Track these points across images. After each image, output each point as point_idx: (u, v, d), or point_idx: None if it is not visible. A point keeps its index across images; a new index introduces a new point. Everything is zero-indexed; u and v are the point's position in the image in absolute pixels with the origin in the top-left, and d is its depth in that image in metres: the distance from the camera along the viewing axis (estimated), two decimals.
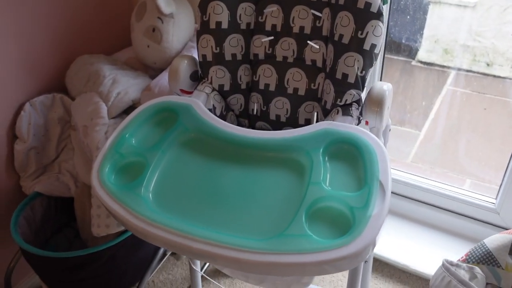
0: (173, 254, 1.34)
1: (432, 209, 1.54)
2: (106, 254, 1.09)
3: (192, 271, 1.28)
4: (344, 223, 0.68)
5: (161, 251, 1.25)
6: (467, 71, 2.44)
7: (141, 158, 0.82)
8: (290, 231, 0.68)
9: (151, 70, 1.35)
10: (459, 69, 2.46)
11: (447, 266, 0.80)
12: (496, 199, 1.44)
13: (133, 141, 0.86)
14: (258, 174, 0.79)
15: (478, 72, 2.42)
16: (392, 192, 1.56)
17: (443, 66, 2.54)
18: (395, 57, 2.50)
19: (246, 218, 0.72)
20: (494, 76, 2.40)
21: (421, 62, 2.58)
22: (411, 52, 2.48)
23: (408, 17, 2.17)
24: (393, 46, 2.33)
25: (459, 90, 2.48)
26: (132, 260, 1.16)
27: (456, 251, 1.37)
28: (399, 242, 1.47)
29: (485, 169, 2.00)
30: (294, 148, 0.80)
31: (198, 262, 1.24)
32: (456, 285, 0.74)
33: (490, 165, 2.01)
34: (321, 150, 0.78)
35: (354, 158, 0.77)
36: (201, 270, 1.42)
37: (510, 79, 2.40)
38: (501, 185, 1.42)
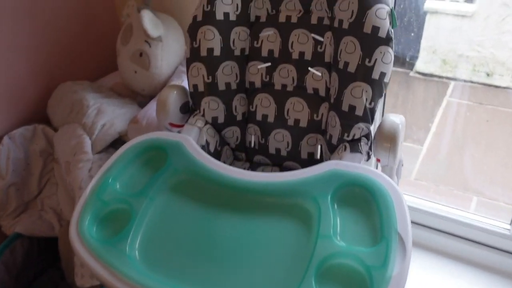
0: None
1: (439, 234, 1.45)
2: None
3: None
4: (360, 285, 0.60)
5: None
6: (467, 81, 2.39)
7: (126, 206, 0.75)
8: None
9: (140, 97, 1.26)
10: (458, 80, 2.41)
11: None
12: (511, 224, 1.36)
13: (117, 186, 0.78)
14: (258, 223, 0.71)
15: (478, 83, 2.39)
16: None
17: (442, 77, 2.50)
18: (393, 69, 2.45)
19: (246, 278, 0.64)
20: (495, 86, 2.36)
21: (419, 73, 2.54)
22: (409, 63, 2.42)
23: (405, 27, 2.12)
24: None
25: (460, 102, 2.43)
26: None
27: (467, 280, 1.30)
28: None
29: (491, 186, 1.93)
30: (299, 193, 0.72)
31: None
32: None
33: (496, 182, 1.94)
34: (329, 195, 0.70)
35: (367, 204, 0.69)
36: None
37: (510, 89, 2.36)
38: None
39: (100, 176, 0.79)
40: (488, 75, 2.34)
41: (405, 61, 2.37)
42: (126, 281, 0.64)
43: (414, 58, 2.42)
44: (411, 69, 2.50)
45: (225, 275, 0.65)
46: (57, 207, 1.20)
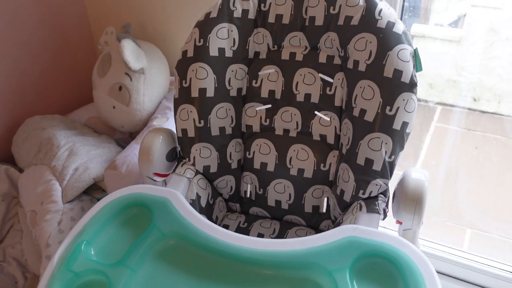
0: None
1: (443, 278, 1.37)
2: None
3: None
4: None
5: None
6: (454, 106, 2.38)
7: (102, 278, 0.64)
8: None
9: (119, 133, 1.16)
10: (445, 105, 2.40)
11: None
12: None
13: (92, 253, 0.67)
14: None
15: (465, 108, 2.40)
16: None
17: (429, 101, 2.49)
18: None
19: None
20: (482, 111, 2.38)
21: None
22: None
23: None
24: None
25: (448, 127, 2.42)
26: None
27: None
28: None
29: (484, 218, 1.90)
30: (310, 265, 0.62)
31: None
32: None
33: (488, 213, 1.91)
34: (348, 269, 0.60)
35: (392, 279, 0.59)
36: None
37: (498, 114, 2.37)
38: None
39: (71, 241, 0.68)
40: (475, 100, 2.34)
41: None
42: None
43: None
44: None
45: None
46: (22, 258, 1.08)
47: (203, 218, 0.68)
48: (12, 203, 1.11)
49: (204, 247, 0.66)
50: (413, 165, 2.19)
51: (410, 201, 0.66)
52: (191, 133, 0.78)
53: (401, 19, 1.11)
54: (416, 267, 0.58)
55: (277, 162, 0.80)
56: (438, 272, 1.29)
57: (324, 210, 0.81)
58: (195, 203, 0.76)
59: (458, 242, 1.41)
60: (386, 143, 0.67)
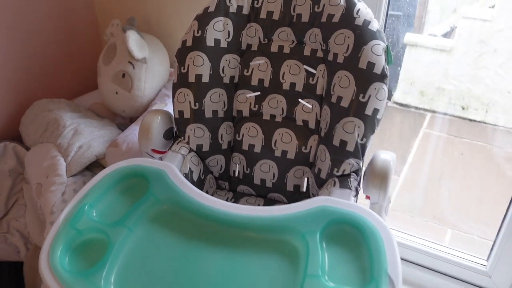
0: None
1: (418, 269, 1.44)
2: None
3: None
4: None
5: None
6: (443, 114, 2.45)
7: (102, 236, 0.71)
8: None
9: (120, 118, 1.23)
10: (434, 112, 2.46)
11: None
12: (487, 261, 1.36)
13: (94, 214, 0.74)
14: (243, 259, 0.68)
15: (453, 115, 2.44)
16: None
17: (419, 108, 2.55)
18: None
19: None
20: (470, 119, 2.42)
21: (397, 103, 2.59)
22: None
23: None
24: None
25: (436, 134, 2.48)
26: None
27: None
28: None
29: (466, 219, 1.96)
30: (287, 229, 0.69)
31: None
32: None
33: (470, 215, 1.97)
34: (318, 233, 0.68)
35: (357, 243, 0.67)
36: None
37: (485, 123, 2.43)
38: (492, 247, 1.34)
39: (76, 203, 0.74)
40: (463, 108, 2.40)
41: None
42: None
43: (393, 88, 2.47)
44: (389, 99, 2.54)
45: None
46: (24, 230, 1.15)
47: (194, 187, 0.75)
48: (17, 179, 1.18)
49: (194, 212, 0.73)
50: (400, 168, 2.26)
51: (377, 178, 0.74)
52: (187, 115, 0.86)
53: (385, 25, 1.20)
54: (378, 232, 0.66)
55: (263, 144, 0.88)
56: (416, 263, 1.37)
57: (304, 189, 0.88)
58: (187, 177, 0.83)
59: (439, 240, 1.48)
60: (358, 127, 0.75)
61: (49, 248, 0.68)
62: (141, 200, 0.75)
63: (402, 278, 0.62)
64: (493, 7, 2.29)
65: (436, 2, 2.43)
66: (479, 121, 2.40)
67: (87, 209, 0.73)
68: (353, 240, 0.67)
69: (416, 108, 2.56)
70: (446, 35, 2.45)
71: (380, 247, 0.64)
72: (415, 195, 2.15)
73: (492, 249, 1.35)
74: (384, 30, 1.20)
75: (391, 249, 0.64)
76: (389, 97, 2.52)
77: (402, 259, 1.46)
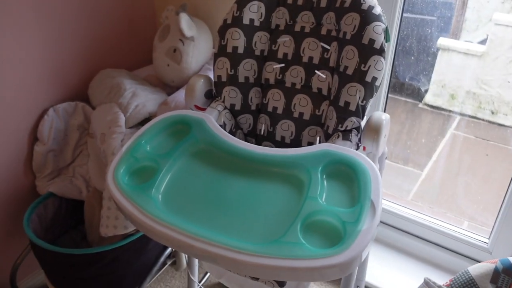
0: (172, 264, 1.38)
1: (427, 244, 1.58)
2: (110, 255, 1.14)
3: (190, 282, 1.32)
4: (335, 236, 0.74)
5: (162, 259, 1.30)
6: (472, 117, 2.50)
7: (153, 163, 0.88)
8: (286, 239, 0.73)
9: (168, 88, 1.43)
10: (464, 115, 2.52)
11: (430, 284, 0.85)
12: (489, 239, 1.48)
13: (148, 148, 0.93)
14: (260, 186, 0.85)
15: (482, 119, 2.46)
16: (390, 225, 1.61)
17: (449, 111, 2.58)
18: (403, 99, 2.57)
19: (246, 223, 0.78)
20: (499, 124, 2.44)
21: (427, 105, 2.63)
22: (419, 95, 2.54)
23: (417, 61, 2.25)
24: (401, 88, 2.40)
25: (463, 135, 2.52)
26: (133, 265, 1.21)
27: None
28: (392, 274, 1.51)
29: (483, 213, 2.02)
30: (296, 165, 0.86)
31: (196, 273, 1.29)
32: None
33: (488, 209, 2.02)
34: (319, 168, 0.84)
35: (349, 179, 0.83)
36: (200, 282, 1.47)
37: None
38: (493, 225, 1.46)
39: (135, 138, 0.93)
40: (492, 113, 2.43)
41: (415, 92, 2.50)
42: (149, 216, 0.78)
43: (424, 91, 2.55)
44: (420, 101, 2.63)
45: (229, 220, 0.78)
46: (86, 175, 1.36)
47: (225, 132, 0.93)
48: (83, 133, 1.39)
49: (225, 150, 0.90)
50: (424, 163, 2.36)
51: (371, 131, 0.90)
52: (224, 78, 1.04)
53: (399, 26, 1.34)
54: (367, 170, 0.81)
55: (284, 107, 1.05)
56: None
57: None
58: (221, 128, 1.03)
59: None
60: (360, 91, 0.91)
61: (114, 168, 0.87)
62: (184, 139, 0.93)
63: (381, 209, 0.78)
64: None
65: (473, 10, 2.48)
66: (507, 126, 2.42)
67: (143, 143, 0.92)
68: (347, 176, 0.83)
69: (446, 110, 2.61)
70: (482, 42, 2.50)
71: (368, 181, 0.80)
72: (436, 189, 2.24)
73: (493, 228, 1.47)
74: (399, 31, 1.35)
75: (376, 183, 0.79)
76: (420, 98, 2.61)
77: (413, 234, 1.60)
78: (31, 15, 1.26)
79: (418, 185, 2.28)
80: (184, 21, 1.29)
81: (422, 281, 0.91)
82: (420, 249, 1.58)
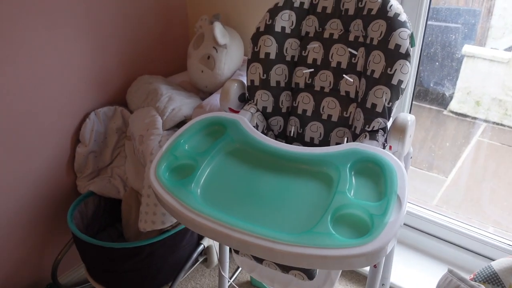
0: (203, 262, 1.45)
1: (452, 247, 1.60)
2: (147, 249, 1.21)
3: (221, 279, 1.38)
4: (363, 227, 0.78)
5: (194, 256, 1.37)
6: (498, 124, 2.47)
7: (192, 161, 0.94)
8: (317, 229, 0.78)
9: (202, 93, 1.50)
10: (489, 122, 2.51)
11: (454, 272, 0.89)
12: None
13: (187, 147, 0.99)
14: (292, 182, 0.90)
15: (508, 126, 2.45)
16: (415, 228, 1.64)
17: (474, 118, 2.57)
18: (428, 106, 2.59)
19: (280, 216, 0.83)
20: None
21: (452, 112, 2.63)
22: (443, 101, 2.55)
23: (442, 67, 2.27)
24: (426, 94, 2.42)
25: (489, 142, 2.51)
26: (168, 259, 1.28)
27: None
28: (416, 275, 1.54)
29: (509, 218, 2.02)
30: (325, 163, 0.91)
31: (227, 270, 1.35)
32: (462, 286, 0.82)
33: None
34: (348, 165, 0.88)
35: (376, 175, 0.87)
36: (230, 278, 1.52)
37: None
38: None
39: (174, 138, 1.00)
40: None
41: (440, 100, 2.51)
42: (189, 209, 0.84)
43: (449, 97, 2.55)
44: (445, 108, 2.63)
45: (263, 212, 0.84)
46: (124, 176, 1.44)
47: (258, 132, 0.98)
48: (121, 136, 1.46)
49: (258, 149, 0.95)
50: (449, 169, 2.36)
51: (397, 131, 0.95)
52: (256, 83, 1.10)
53: (424, 33, 1.38)
54: (393, 167, 0.85)
55: (313, 109, 1.10)
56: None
57: None
58: (254, 129, 1.09)
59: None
60: (386, 93, 0.96)
61: (155, 165, 0.93)
62: (220, 139, 0.99)
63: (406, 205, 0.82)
64: None
65: (499, 18, 2.48)
66: None
67: (182, 142, 0.98)
68: (374, 173, 0.87)
69: (472, 117, 2.61)
70: (508, 49, 2.49)
71: (394, 177, 0.84)
72: (461, 194, 2.24)
73: None
74: (423, 37, 1.40)
75: (402, 179, 0.83)
76: (445, 105, 2.61)
77: (438, 237, 1.62)
78: (83, 27, 1.35)
79: (443, 191, 2.29)
80: (218, 29, 1.36)
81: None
82: (445, 251, 1.60)
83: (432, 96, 2.47)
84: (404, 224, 1.66)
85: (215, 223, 0.82)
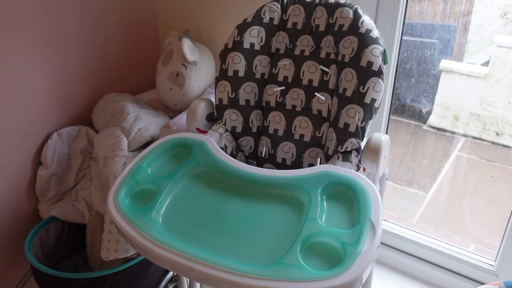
0: None
1: (432, 267, 1.56)
2: (111, 279, 1.14)
3: None
4: (335, 257, 0.73)
5: (163, 284, 1.29)
6: (477, 138, 2.49)
7: (154, 186, 0.89)
8: (286, 260, 0.73)
9: (171, 111, 1.45)
10: (468, 136, 2.52)
11: None
12: (495, 261, 1.46)
13: (149, 170, 0.93)
14: (260, 208, 0.85)
15: (487, 141, 2.46)
16: (395, 248, 1.60)
17: (453, 132, 2.58)
18: (406, 121, 2.58)
19: (246, 246, 0.78)
20: (503, 145, 2.43)
21: (431, 127, 2.63)
22: (421, 117, 2.55)
23: (420, 83, 2.27)
24: (403, 110, 2.41)
25: (468, 157, 2.51)
26: None
27: None
28: None
29: (490, 235, 2.00)
30: (296, 186, 0.86)
31: None
32: None
33: (495, 231, 2.01)
34: (319, 189, 0.84)
35: (349, 200, 0.83)
36: None
37: None
38: (499, 248, 1.44)
39: (136, 161, 0.94)
40: (497, 134, 2.42)
41: (419, 115, 2.51)
42: (149, 239, 0.78)
43: (428, 112, 2.55)
44: (424, 123, 2.63)
45: (229, 242, 0.78)
46: (89, 199, 1.37)
47: (226, 154, 0.94)
48: (86, 157, 1.40)
49: (225, 172, 0.90)
50: (429, 185, 2.34)
51: (371, 152, 0.91)
52: (225, 102, 1.06)
53: (399, 49, 1.35)
54: (367, 191, 0.81)
55: (285, 129, 1.06)
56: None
57: None
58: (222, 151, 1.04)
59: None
60: (359, 112, 0.93)
61: (115, 191, 0.87)
62: (185, 162, 0.93)
63: (382, 229, 0.78)
64: None
65: (475, 33, 2.50)
66: None
67: (144, 166, 0.93)
68: (347, 197, 0.83)
69: (451, 132, 2.61)
70: (485, 64, 2.51)
71: (367, 202, 0.80)
72: (442, 210, 2.22)
73: (498, 250, 1.45)
74: (399, 53, 1.37)
75: (376, 204, 0.79)
76: (424, 120, 2.61)
77: (417, 257, 1.58)
78: (45, 41, 1.29)
79: (423, 208, 2.27)
80: (187, 46, 1.32)
81: None
82: (425, 272, 1.56)
83: (409, 111, 2.46)
84: (383, 243, 1.61)
85: (176, 254, 0.77)
